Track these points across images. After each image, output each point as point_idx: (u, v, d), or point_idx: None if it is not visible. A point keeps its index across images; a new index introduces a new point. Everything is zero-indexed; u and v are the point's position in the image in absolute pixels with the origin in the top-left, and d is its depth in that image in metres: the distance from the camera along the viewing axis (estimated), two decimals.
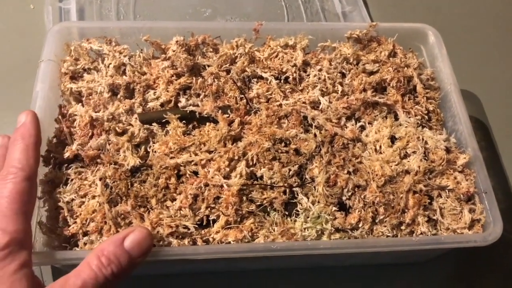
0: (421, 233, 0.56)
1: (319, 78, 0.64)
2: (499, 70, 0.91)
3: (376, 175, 0.57)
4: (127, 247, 0.45)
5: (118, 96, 0.60)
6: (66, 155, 0.55)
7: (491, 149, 0.81)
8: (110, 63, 0.62)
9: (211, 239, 0.52)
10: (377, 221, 0.56)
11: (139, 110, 0.59)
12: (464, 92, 0.85)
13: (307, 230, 0.54)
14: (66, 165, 0.55)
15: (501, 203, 0.73)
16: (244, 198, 0.54)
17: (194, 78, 0.62)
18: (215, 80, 0.62)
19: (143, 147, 0.57)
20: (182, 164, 0.55)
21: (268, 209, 0.55)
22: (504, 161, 0.80)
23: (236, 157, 0.55)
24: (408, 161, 0.59)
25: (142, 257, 0.46)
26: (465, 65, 0.88)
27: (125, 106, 0.59)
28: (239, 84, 0.62)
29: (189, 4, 0.88)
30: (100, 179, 0.53)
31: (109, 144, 0.56)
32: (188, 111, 0.59)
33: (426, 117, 0.64)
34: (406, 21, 0.91)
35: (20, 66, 0.78)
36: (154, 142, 0.57)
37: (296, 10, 0.90)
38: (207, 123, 0.59)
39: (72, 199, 0.53)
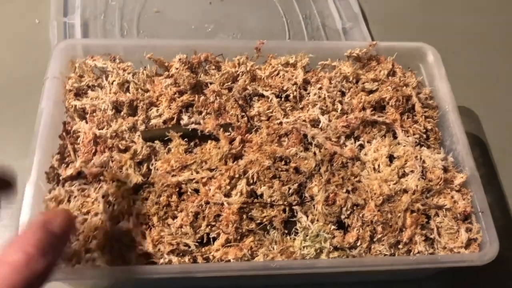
0: (418, 252, 0.56)
1: (319, 97, 0.65)
2: (497, 87, 0.92)
3: (375, 194, 0.58)
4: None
5: (122, 113, 0.61)
6: (70, 172, 0.56)
7: (489, 166, 0.82)
8: (114, 80, 0.63)
9: (211, 257, 0.53)
10: (375, 239, 0.57)
11: (142, 127, 0.60)
12: (463, 109, 0.87)
13: (306, 249, 0.55)
14: (69, 182, 0.56)
15: (499, 220, 0.75)
16: (244, 216, 0.55)
17: (196, 95, 0.63)
18: (217, 98, 0.63)
19: (145, 165, 0.58)
20: (183, 182, 0.56)
21: (268, 228, 0.56)
22: (502, 178, 0.80)
23: (236, 175, 0.56)
24: (406, 180, 0.59)
25: None
26: (463, 82, 0.88)
27: (128, 124, 0.60)
28: (240, 102, 0.63)
29: (192, 20, 0.89)
30: (103, 197, 0.54)
31: (112, 161, 0.57)
32: (190, 129, 0.60)
33: (424, 135, 0.65)
34: (405, 37, 0.93)
35: (25, 81, 0.79)
36: (156, 160, 0.58)
37: (297, 26, 0.91)
38: (209, 141, 0.60)
39: (75, 216, 0.54)
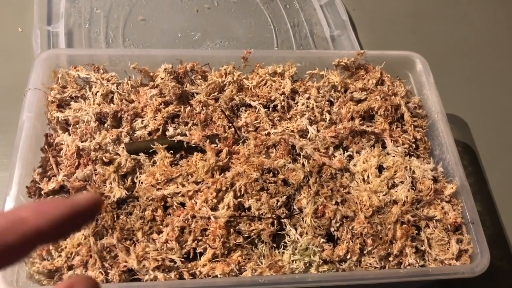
0: (409, 265, 0.56)
1: (307, 107, 0.64)
2: (486, 94, 0.92)
3: (364, 205, 0.57)
4: None
5: (105, 125, 0.60)
6: (52, 186, 0.54)
7: (479, 173, 0.81)
8: (98, 91, 0.62)
9: (198, 273, 0.52)
10: (365, 252, 0.56)
11: (127, 139, 0.59)
12: (452, 117, 0.86)
13: (295, 263, 0.53)
14: (51, 196, 0.54)
15: (489, 228, 0.75)
16: (232, 230, 0.54)
17: (182, 106, 0.62)
18: (204, 108, 0.62)
19: (129, 178, 0.56)
20: (169, 196, 0.54)
21: (256, 241, 0.54)
22: (492, 185, 0.80)
23: (223, 188, 0.55)
24: (396, 191, 0.59)
25: None
26: (452, 90, 0.89)
27: (112, 136, 0.58)
28: (227, 112, 0.62)
29: (179, 28, 0.88)
30: None
31: (95, 175, 0.55)
32: (175, 141, 0.58)
33: (414, 145, 0.64)
34: (393, 45, 0.93)
35: (7, 91, 0.78)
36: (141, 173, 0.56)
37: (285, 34, 0.91)
38: (195, 153, 0.58)
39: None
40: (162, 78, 0.63)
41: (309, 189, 0.57)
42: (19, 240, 0.22)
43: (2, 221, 0.22)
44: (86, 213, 0.25)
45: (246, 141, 0.60)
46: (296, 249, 0.54)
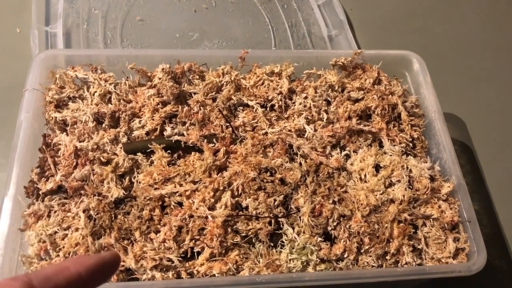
0: (406, 263, 0.56)
1: (305, 106, 0.64)
2: (483, 93, 0.92)
3: (361, 204, 0.57)
4: None
5: (103, 125, 0.60)
6: (50, 186, 0.54)
7: (476, 172, 0.81)
8: (96, 91, 0.62)
9: (195, 272, 0.52)
10: (362, 251, 0.56)
11: (124, 139, 0.59)
12: (450, 116, 0.86)
13: (293, 262, 0.54)
14: (49, 196, 0.55)
15: (486, 227, 0.75)
16: (229, 229, 0.54)
17: (180, 106, 0.62)
18: (201, 108, 0.62)
19: (127, 178, 0.56)
20: (166, 195, 0.55)
21: (253, 240, 0.55)
22: (489, 184, 0.80)
23: (221, 188, 0.55)
24: (393, 190, 0.59)
25: None
26: (449, 89, 0.89)
27: (110, 136, 0.58)
28: (225, 112, 0.62)
29: (177, 28, 0.88)
30: (84, 211, 0.53)
31: (93, 175, 0.55)
32: (173, 141, 0.59)
33: (411, 144, 0.64)
34: (390, 44, 0.93)
35: (5, 92, 0.78)
36: (138, 173, 0.57)
37: (283, 34, 0.91)
38: (193, 153, 0.58)
39: (55, 232, 0.52)
40: (159, 78, 0.63)
41: (306, 188, 0.57)
42: (65, 281, 0.28)
43: (53, 268, 0.29)
44: (110, 264, 0.32)
45: (244, 140, 0.60)
46: (293, 248, 0.54)
